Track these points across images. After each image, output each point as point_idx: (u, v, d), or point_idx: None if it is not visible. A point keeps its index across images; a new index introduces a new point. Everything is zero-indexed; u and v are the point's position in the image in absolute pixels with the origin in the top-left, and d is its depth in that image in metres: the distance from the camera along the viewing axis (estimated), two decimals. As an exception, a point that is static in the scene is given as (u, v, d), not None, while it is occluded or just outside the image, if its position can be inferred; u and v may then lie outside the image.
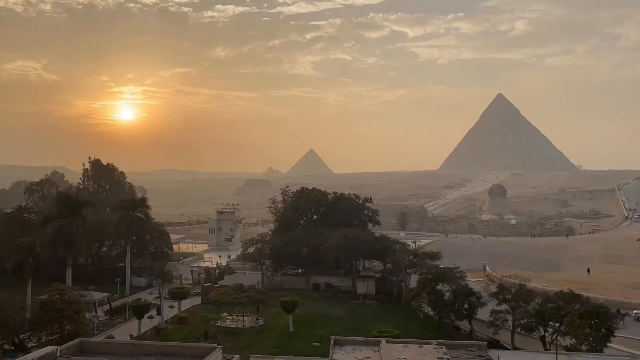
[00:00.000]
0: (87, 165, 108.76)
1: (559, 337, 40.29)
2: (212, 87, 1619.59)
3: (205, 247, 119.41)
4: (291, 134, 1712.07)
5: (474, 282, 62.11)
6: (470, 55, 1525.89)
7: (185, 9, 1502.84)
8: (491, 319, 46.03)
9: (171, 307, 58.57)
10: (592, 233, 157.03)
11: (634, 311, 54.05)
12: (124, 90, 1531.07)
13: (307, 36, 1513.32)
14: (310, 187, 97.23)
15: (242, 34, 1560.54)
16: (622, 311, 43.97)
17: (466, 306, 50.03)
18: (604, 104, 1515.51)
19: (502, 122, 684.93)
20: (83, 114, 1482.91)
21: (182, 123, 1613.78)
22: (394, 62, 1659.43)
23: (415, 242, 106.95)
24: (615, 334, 37.78)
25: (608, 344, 37.10)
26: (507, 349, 42.60)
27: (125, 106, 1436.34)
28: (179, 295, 60.39)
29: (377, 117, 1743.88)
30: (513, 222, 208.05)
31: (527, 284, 48.45)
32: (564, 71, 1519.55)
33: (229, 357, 28.45)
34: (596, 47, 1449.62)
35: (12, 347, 40.61)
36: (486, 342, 33.21)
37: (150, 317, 53.03)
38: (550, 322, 41.39)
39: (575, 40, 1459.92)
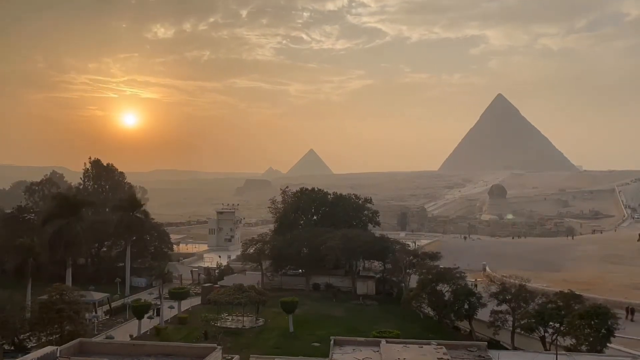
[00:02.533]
0: (88, 165, 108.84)
1: (559, 338, 40.24)
2: (163, 75, 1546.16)
3: (205, 247, 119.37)
4: (290, 134, 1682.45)
5: (473, 282, 62.08)
6: (446, 33, 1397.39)
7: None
8: (491, 319, 46.01)
9: (171, 307, 58.57)
10: (594, 233, 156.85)
11: None
12: (67, 80, 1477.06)
13: (251, 7, 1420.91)
14: (310, 187, 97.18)
15: (176, 7, 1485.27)
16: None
17: (466, 306, 50.00)
18: (605, 97, 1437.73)
19: (502, 122, 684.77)
20: (47, 108, 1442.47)
21: (152, 119, 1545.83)
22: (358, 41, 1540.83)
23: (415, 243, 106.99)
24: (615, 334, 37.73)
25: (608, 344, 37.05)
26: (507, 349, 42.58)
27: (83, 100, 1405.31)
28: (179, 295, 60.42)
29: (350, 109, 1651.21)
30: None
31: (527, 284, 48.40)
32: (559, 57, 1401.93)
33: (229, 357, 28.48)
34: (596, 24, 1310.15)
35: (12, 347, 40.63)
36: (486, 343, 33.16)
37: (150, 318, 53.06)
38: (551, 323, 41.33)
39: (570, 17, 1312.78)
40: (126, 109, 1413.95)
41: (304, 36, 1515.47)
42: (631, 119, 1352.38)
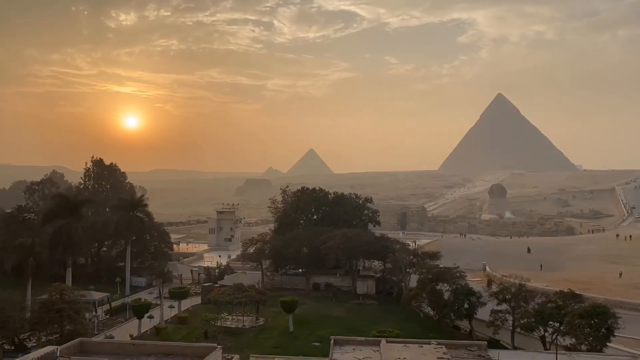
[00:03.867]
0: (89, 165, 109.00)
1: (559, 337, 40.28)
2: (134, 67, 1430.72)
3: (205, 247, 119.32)
4: (290, 134, 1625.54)
5: (473, 282, 62.11)
6: (428, 17, 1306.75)
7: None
8: (491, 318, 46.02)
9: (171, 307, 58.58)
10: (593, 232, 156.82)
11: None
12: (33, 73, 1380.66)
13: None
14: (310, 187, 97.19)
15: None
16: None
17: (466, 306, 50.04)
18: (605, 93, 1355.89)
19: (502, 122, 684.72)
20: (18, 104, 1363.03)
21: (141, 117, 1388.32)
22: (335, 27, 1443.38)
23: (415, 242, 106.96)
24: (615, 334, 37.75)
25: (608, 343, 37.07)
26: (507, 348, 42.59)
27: (56, 96, 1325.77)
28: (179, 295, 60.44)
29: (337, 104, 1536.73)
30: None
31: (527, 284, 48.43)
32: (556, 47, 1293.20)
33: (229, 357, 28.42)
34: (593, 8, 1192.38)
35: (12, 347, 40.63)
36: (486, 342, 33.20)
37: (150, 317, 53.07)
38: (550, 322, 41.37)
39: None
40: (106, 105, 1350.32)
41: (275, 22, 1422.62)
42: (632, 116, 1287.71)
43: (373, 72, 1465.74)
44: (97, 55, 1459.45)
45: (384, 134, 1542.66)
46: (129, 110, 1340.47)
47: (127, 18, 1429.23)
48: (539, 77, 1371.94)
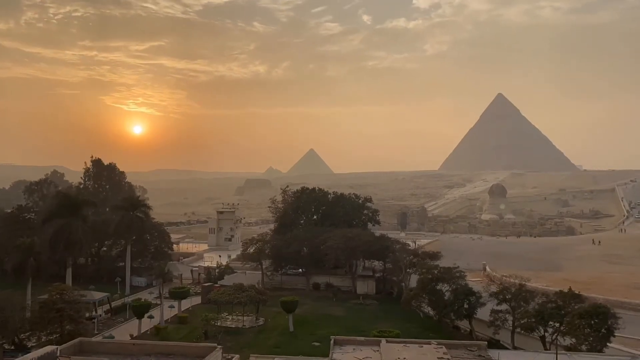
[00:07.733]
0: (89, 165, 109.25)
1: (559, 337, 40.28)
2: (25, 40, 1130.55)
3: (205, 246, 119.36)
4: (291, 134, 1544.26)
5: (473, 282, 62.09)
6: None
7: None
8: (491, 318, 46.04)
9: (171, 307, 58.59)
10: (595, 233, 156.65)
11: None
12: None
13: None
14: (310, 187, 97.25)
15: None
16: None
17: (466, 306, 50.05)
18: (602, 81, 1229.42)
19: (502, 122, 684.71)
20: None
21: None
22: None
23: (415, 242, 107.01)
24: (615, 334, 37.74)
25: (608, 344, 37.06)
26: (507, 348, 42.58)
27: None
28: (179, 294, 60.45)
29: (266, 88, 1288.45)
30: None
31: (527, 284, 48.45)
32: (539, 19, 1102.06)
33: (229, 357, 28.43)
34: None
35: (12, 347, 40.64)
36: (486, 342, 33.18)
37: (150, 317, 53.08)
38: (550, 322, 41.39)
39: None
40: (31, 94, 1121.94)
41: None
42: (632, 112, 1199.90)
43: (315, 47, 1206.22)
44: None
45: (347, 127, 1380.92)
46: (57, 102, 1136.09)
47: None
48: (526, 53, 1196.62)
